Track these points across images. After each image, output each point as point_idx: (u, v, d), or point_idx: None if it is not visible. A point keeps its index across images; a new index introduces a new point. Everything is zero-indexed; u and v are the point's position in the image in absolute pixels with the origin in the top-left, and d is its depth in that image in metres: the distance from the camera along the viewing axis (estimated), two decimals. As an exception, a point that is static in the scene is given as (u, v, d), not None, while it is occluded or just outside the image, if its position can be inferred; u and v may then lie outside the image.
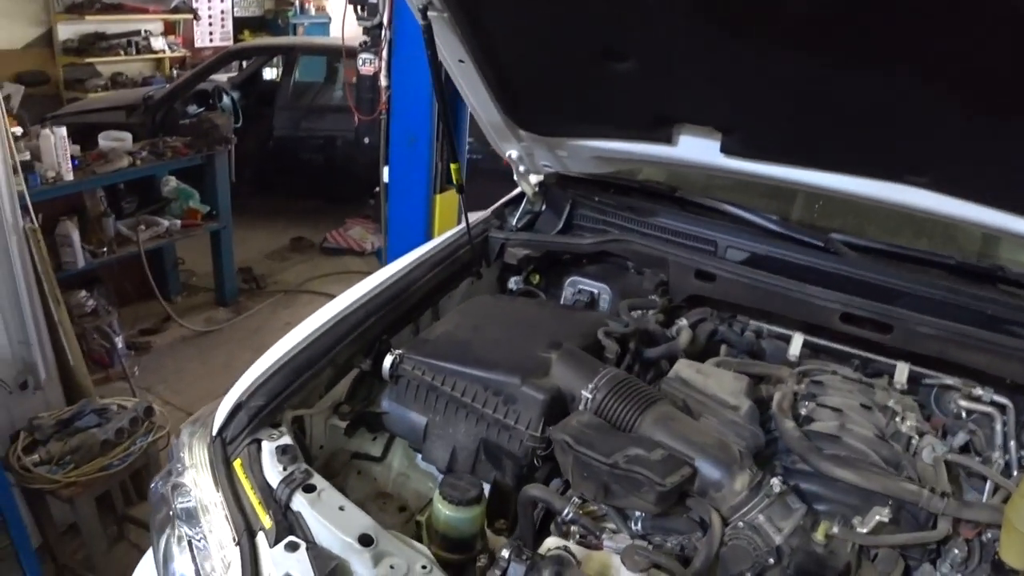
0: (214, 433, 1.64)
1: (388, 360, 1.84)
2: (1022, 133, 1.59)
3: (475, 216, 2.49)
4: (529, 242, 2.35)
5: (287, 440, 1.60)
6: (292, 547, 1.36)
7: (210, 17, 9.59)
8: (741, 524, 1.46)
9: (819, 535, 1.45)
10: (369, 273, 2.15)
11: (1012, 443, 1.96)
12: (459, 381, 1.76)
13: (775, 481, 1.49)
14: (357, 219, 6.98)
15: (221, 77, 7.33)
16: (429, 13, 1.81)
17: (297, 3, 11.19)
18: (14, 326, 3.23)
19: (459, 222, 2.39)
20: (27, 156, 3.92)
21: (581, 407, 1.68)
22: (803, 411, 1.78)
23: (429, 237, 3.63)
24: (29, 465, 2.97)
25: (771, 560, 1.45)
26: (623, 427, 1.63)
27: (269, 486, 1.50)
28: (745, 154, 1.94)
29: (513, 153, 2.33)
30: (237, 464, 1.57)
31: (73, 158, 4.27)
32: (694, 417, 1.68)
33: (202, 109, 6.45)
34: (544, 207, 2.54)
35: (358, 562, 1.34)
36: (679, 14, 1.61)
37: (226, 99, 6.75)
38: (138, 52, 8.39)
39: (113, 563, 3.21)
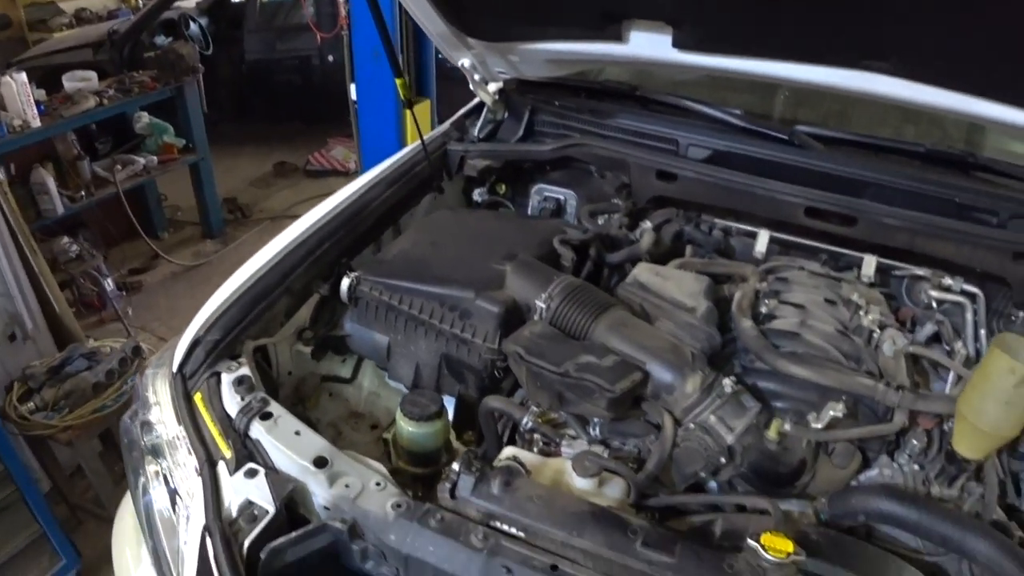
0: (174, 370, 1.64)
1: (345, 283, 1.83)
2: (981, 6, 1.52)
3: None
4: (488, 153, 2.30)
5: (245, 371, 1.61)
6: (251, 474, 1.37)
7: (173, -60, 9.20)
8: (692, 425, 1.47)
9: (772, 433, 1.46)
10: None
11: (982, 331, 1.96)
12: (416, 299, 1.75)
13: (727, 381, 1.49)
14: (339, 139, 6.85)
15: (188, 3, 7.08)
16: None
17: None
18: (-7, 280, 3.23)
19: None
20: (-11, 107, 3.83)
21: (536, 317, 1.67)
22: (764, 309, 1.77)
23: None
24: (25, 413, 3.03)
25: (723, 459, 1.46)
26: (577, 335, 1.63)
27: (228, 417, 1.51)
28: (698, 47, 1.86)
29: (465, 62, 2.26)
30: (197, 398, 1.58)
31: (38, 103, 4.16)
32: (650, 321, 1.67)
33: (171, 39, 6.26)
34: (506, 115, 2.47)
35: (314, 483, 1.36)
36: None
37: (194, 27, 6.51)
38: (100, -17, 8.10)
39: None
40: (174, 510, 1.56)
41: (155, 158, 5.05)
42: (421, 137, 2.17)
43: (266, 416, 1.48)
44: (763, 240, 2.07)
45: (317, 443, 1.42)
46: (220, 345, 1.65)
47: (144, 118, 5.11)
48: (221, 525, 1.30)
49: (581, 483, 1.38)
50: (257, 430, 1.46)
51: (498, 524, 1.28)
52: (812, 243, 2.09)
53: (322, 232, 1.92)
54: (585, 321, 1.62)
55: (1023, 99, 1.70)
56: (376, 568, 1.29)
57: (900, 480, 1.55)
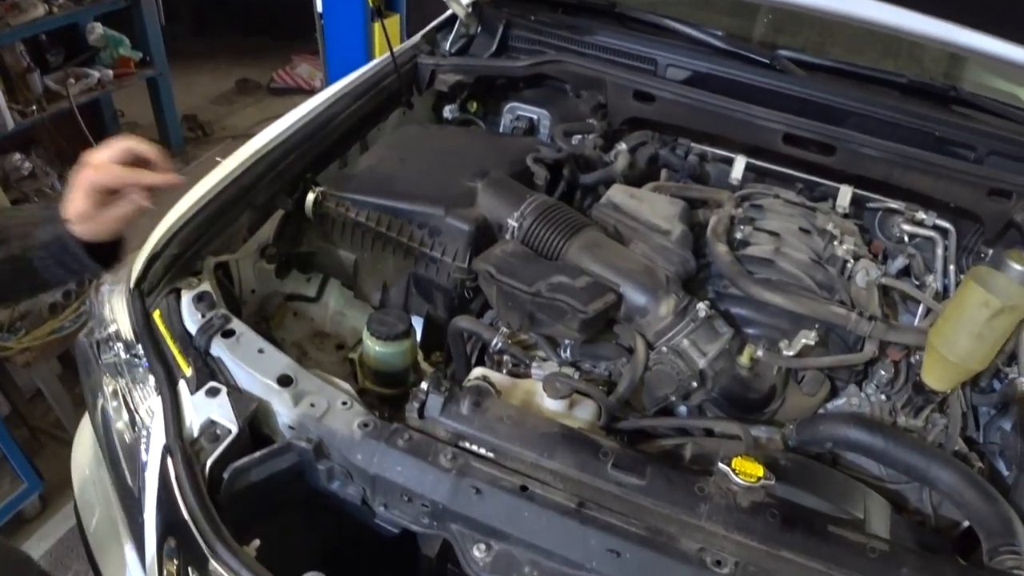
0: (131, 286, 1.58)
1: (310, 198, 1.76)
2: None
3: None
4: (460, 67, 2.21)
5: (206, 287, 1.55)
6: (213, 392, 1.33)
7: None
8: (665, 349, 1.46)
9: (743, 358, 1.45)
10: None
11: (952, 267, 1.97)
12: (384, 215, 1.70)
13: (701, 306, 1.47)
14: (304, 55, 6.60)
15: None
16: None
17: None
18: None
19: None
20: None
21: (508, 236, 1.63)
22: (739, 235, 1.75)
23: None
24: (-21, 336, 2.93)
25: (694, 384, 1.45)
26: (549, 255, 1.59)
27: (188, 334, 1.45)
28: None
29: (437, -30, 2.15)
30: (156, 315, 1.52)
31: (-19, 11, 3.93)
32: (624, 243, 1.64)
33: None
34: (479, 30, 2.37)
35: (278, 402, 1.32)
36: None
37: (151, -69, 6.20)
38: None
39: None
40: (133, 430, 1.53)
41: (110, 72, 4.81)
42: (390, 48, 2.07)
43: (228, 334, 1.43)
44: (739, 166, 2.04)
45: (281, 361, 1.38)
46: (179, 260, 1.58)
47: (98, 29, 4.85)
48: (182, 445, 1.26)
49: (551, 405, 1.37)
50: (219, 348, 1.41)
51: (467, 445, 1.25)
52: (789, 171, 2.07)
53: (286, 146, 1.83)
54: (558, 241, 1.58)
55: (1009, 29, 1.67)
56: (342, 488, 1.27)
57: (867, 410, 1.57)
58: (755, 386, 1.49)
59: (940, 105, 2.15)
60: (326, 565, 1.12)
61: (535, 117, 2.30)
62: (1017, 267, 1.75)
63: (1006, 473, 1.54)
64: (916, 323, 1.80)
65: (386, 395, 1.49)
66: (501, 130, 2.35)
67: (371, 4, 2.07)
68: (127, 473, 1.51)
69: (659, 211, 1.71)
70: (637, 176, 2.03)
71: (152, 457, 1.35)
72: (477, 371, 1.45)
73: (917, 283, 1.90)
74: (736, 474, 1.17)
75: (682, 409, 1.55)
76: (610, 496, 1.19)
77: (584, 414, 1.40)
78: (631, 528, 1.14)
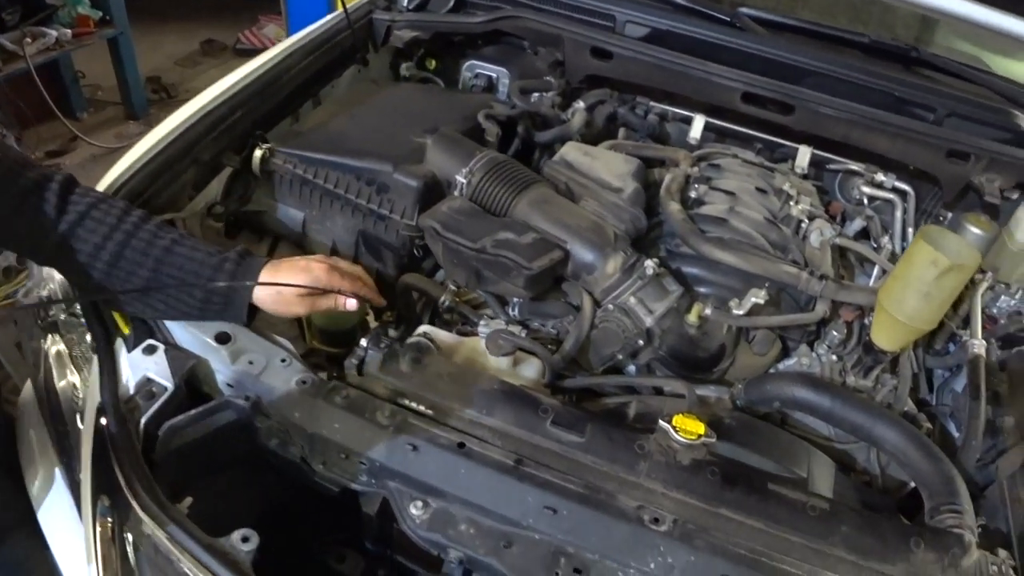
0: (70, 243, 1.54)
1: (257, 154, 1.71)
2: None
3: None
4: (416, 23, 2.15)
5: (147, 244, 1.51)
6: (150, 350, 1.30)
7: None
8: (612, 307, 1.44)
9: (692, 317, 1.44)
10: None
11: (910, 230, 1.97)
12: (332, 172, 1.66)
13: (649, 263, 1.45)
14: (271, 16, 6.44)
15: None
16: None
17: None
18: None
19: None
20: None
21: (456, 192, 1.60)
22: (694, 194, 1.73)
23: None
24: (-68, 301, 2.87)
25: (641, 342, 1.44)
26: (498, 211, 1.57)
27: (128, 292, 1.42)
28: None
29: (393, -78, 2.09)
30: (96, 272, 1.48)
31: (-70, -36, 3.79)
32: (575, 200, 1.61)
33: None
34: (439, -16, 2.31)
35: (217, 360, 1.29)
36: None
37: None
38: None
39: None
40: (74, 390, 1.50)
41: (69, 31, 4.66)
42: (343, 2, 2.02)
43: (168, 292, 1.40)
44: (698, 126, 2.02)
45: (220, 319, 1.35)
46: (121, 216, 1.54)
47: (56, -15, 4.72)
48: (115, 403, 1.23)
49: (495, 362, 1.35)
50: (157, 306, 1.38)
51: (406, 401, 1.24)
52: (749, 131, 2.05)
53: (233, 101, 1.78)
54: (506, 198, 1.55)
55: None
56: (282, 448, 1.25)
57: (817, 370, 1.57)
58: (704, 345, 1.47)
59: (901, 66, 2.14)
60: (269, 523, 1.10)
61: (494, 75, 2.26)
62: (974, 230, 1.76)
63: (956, 435, 1.54)
64: (871, 284, 1.80)
65: (334, 354, 1.47)
66: (460, 88, 2.30)
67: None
68: (69, 434, 1.48)
69: (612, 169, 1.69)
70: (595, 135, 2.00)
71: (88, 416, 1.33)
72: (420, 329, 1.43)
73: (874, 245, 1.90)
74: (677, 432, 1.16)
75: (630, 368, 1.54)
76: (549, 453, 1.18)
77: (529, 372, 1.39)
78: (569, 485, 1.13)
